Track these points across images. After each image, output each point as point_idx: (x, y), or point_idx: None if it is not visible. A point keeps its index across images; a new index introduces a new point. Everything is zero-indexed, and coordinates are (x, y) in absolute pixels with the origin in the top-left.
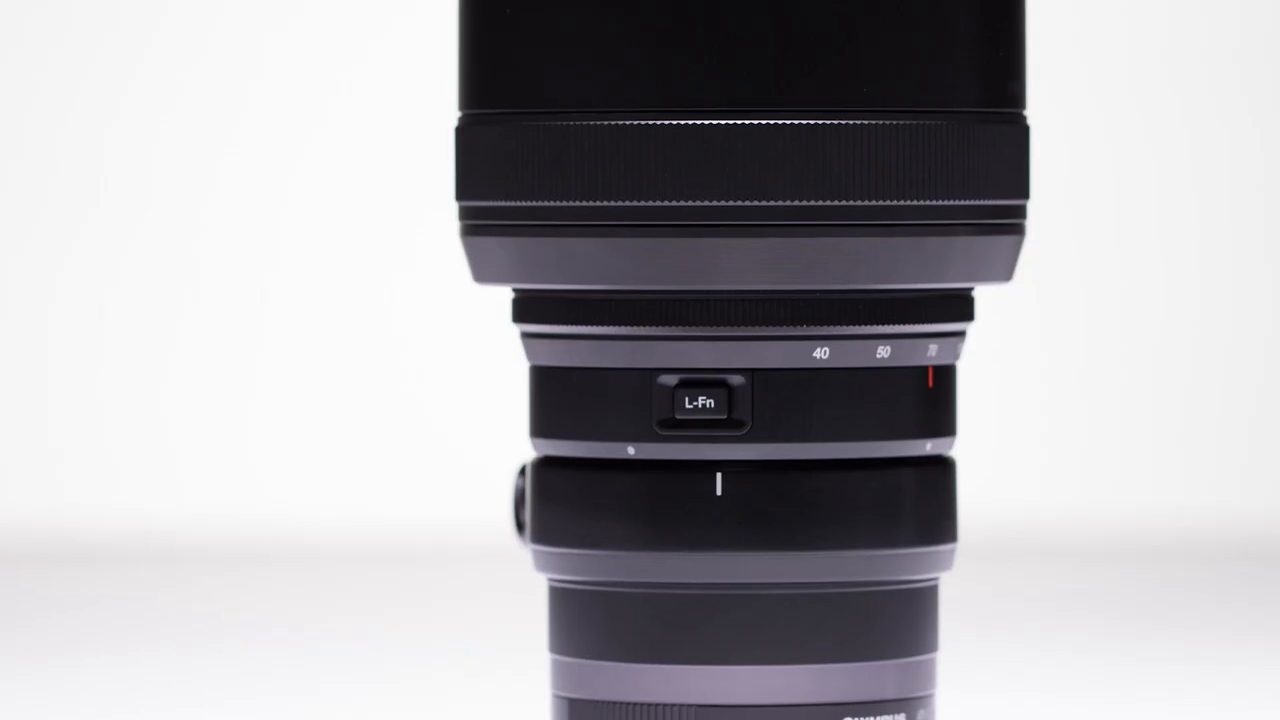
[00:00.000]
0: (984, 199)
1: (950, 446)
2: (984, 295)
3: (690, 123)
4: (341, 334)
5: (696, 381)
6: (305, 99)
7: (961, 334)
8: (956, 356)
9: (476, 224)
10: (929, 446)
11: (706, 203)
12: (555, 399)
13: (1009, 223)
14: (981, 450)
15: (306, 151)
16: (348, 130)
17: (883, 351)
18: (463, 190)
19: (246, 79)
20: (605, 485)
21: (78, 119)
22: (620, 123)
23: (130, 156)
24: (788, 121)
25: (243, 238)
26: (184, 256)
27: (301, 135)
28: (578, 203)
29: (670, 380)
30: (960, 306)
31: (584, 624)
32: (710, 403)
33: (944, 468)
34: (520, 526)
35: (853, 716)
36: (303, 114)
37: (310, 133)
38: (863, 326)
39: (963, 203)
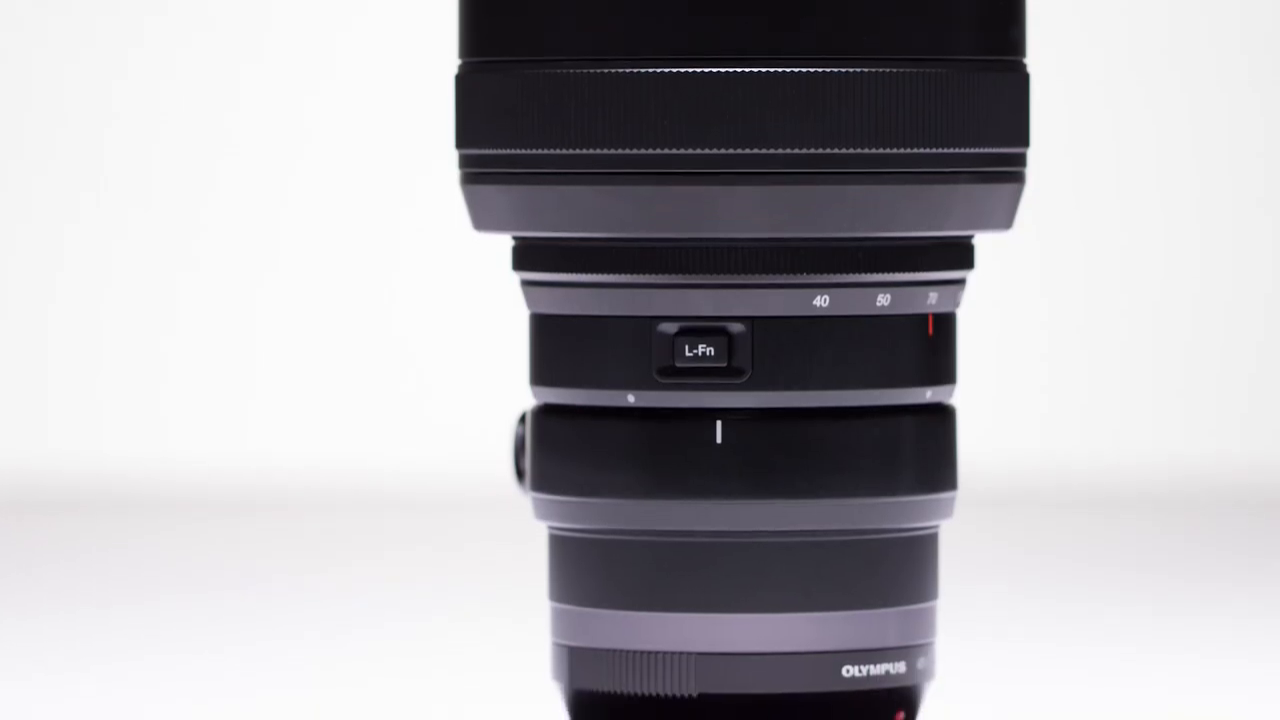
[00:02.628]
0: (984, 146)
1: (950, 394)
2: (985, 243)
3: (690, 70)
4: (340, 282)
5: (696, 329)
6: (306, 49)
7: (962, 282)
8: (957, 304)
9: (476, 172)
10: (929, 394)
11: (706, 150)
12: (555, 347)
13: (1009, 170)
14: (982, 398)
15: (306, 102)
16: (348, 80)
17: (883, 299)
18: (462, 138)
19: (249, 29)
20: (605, 433)
21: (84, 71)
22: (620, 70)
23: (134, 107)
24: (788, 69)
25: (242, 188)
26: (183, 208)
27: (301, 86)
28: (577, 150)
29: (670, 328)
30: (960, 254)
31: (584, 572)
32: (710, 351)
33: (944, 415)
34: (520, 474)
35: (852, 664)
36: (303, 64)
37: (310, 83)
38: (863, 274)
39: (963, 150)
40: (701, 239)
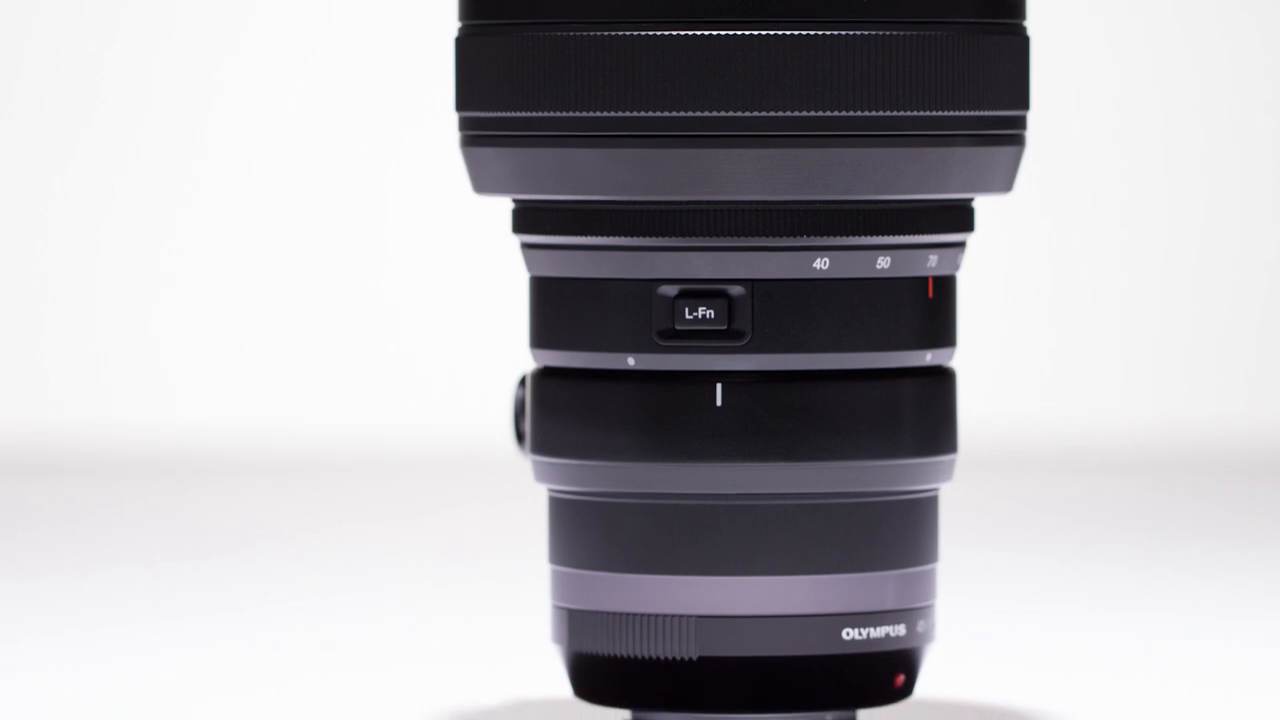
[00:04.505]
0: (983, 109)
1: (950, 357)
2: (985, 206)
3: (691, 33)
4: (340, 245)
5: (696, 292)
6: (306, 11)
7: (962, 245)
8: (956, 267)
9: (476, 134)
10: (929, 357)
11: (706, 113)
12: (555, 310)
13: (1009, 133)
14: (983, 361)
15: (306, 62)
16: (347, 41)
17: (883, 262)
18: (462, 101)
19: None
20: (605, 396)
21: (79, 25)
22: (620, 33)
23: (130, 62)
24: (788, 32)
25: (241, 149)
26: (180, 168)
27: (301, 46)
28: (578, 113)
29: (670, 291)
30: (960, 217)
31: (584, 535)
32: (710, 313)
33: (944, 378)
34: (520, 437)
35: (852, 627)
36: (303, 25)
37: (310, 43)
38: (862, 237)
39: (962, 113)
40: (701, 202)
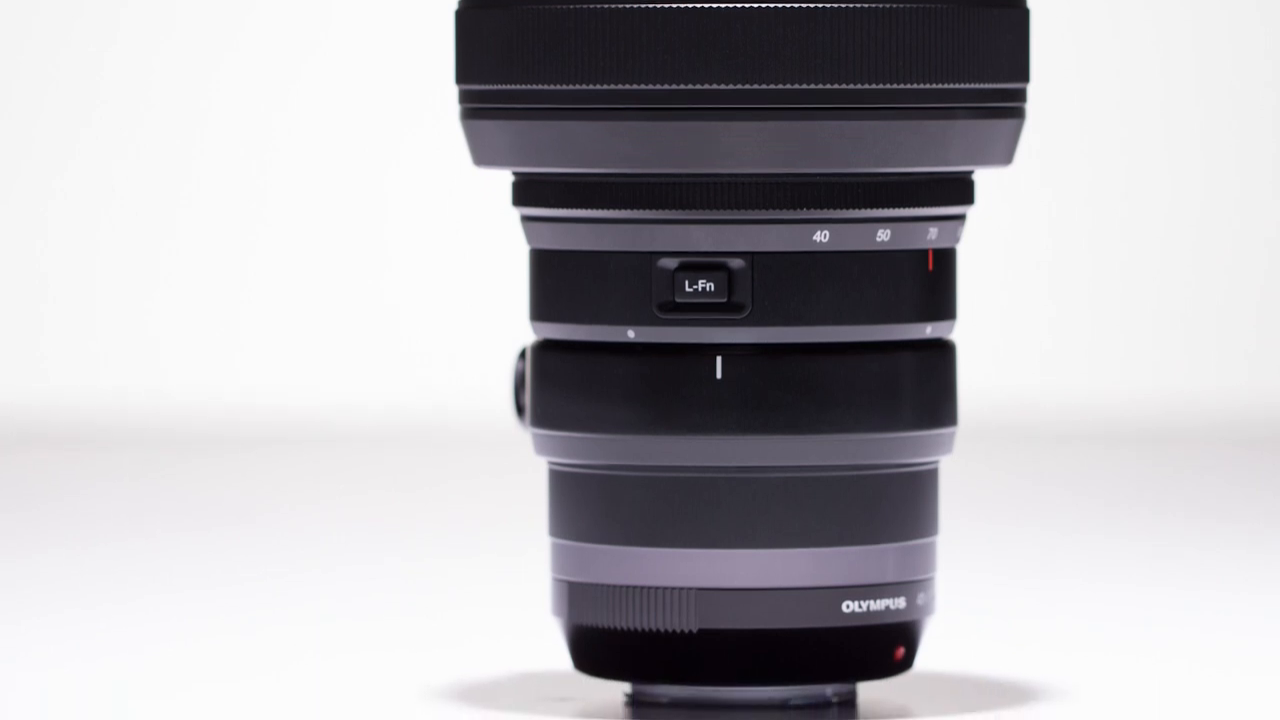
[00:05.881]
0: (983, 82)
1: (950, 330)
2: (986, 179)
3: (690, 5)
4: (340, 218)
5: (696, 265)
6: None
7: (962, 217)
8: (957, 240)
9: (477, 107)
10: (929, 330)
11: (707, 85)
12: (555, 282)
13: (1009, 106)
14: (983, 334)
15: (307, 36)
16: (348, 15)
17: (883, 235)
18: (463, 73)
19: None
20: (605, 368)
21: (88, 9)
22: (621, 6)
23: (134, 43)
24: (788, 4)
25: (241, 123)
26: (182, 140)
27: (302, 20)
28: (578, 86)
29: (670, 263)
30: (960, 190)
31: (584, 507)
32: (710, 286)
33: (944, 351)
34: (520, 410)
35: (853, 600)
36: (305, 1)
37: (312, 18)
38: (863, 210)
39: (962, 86)
40: (702, 174)
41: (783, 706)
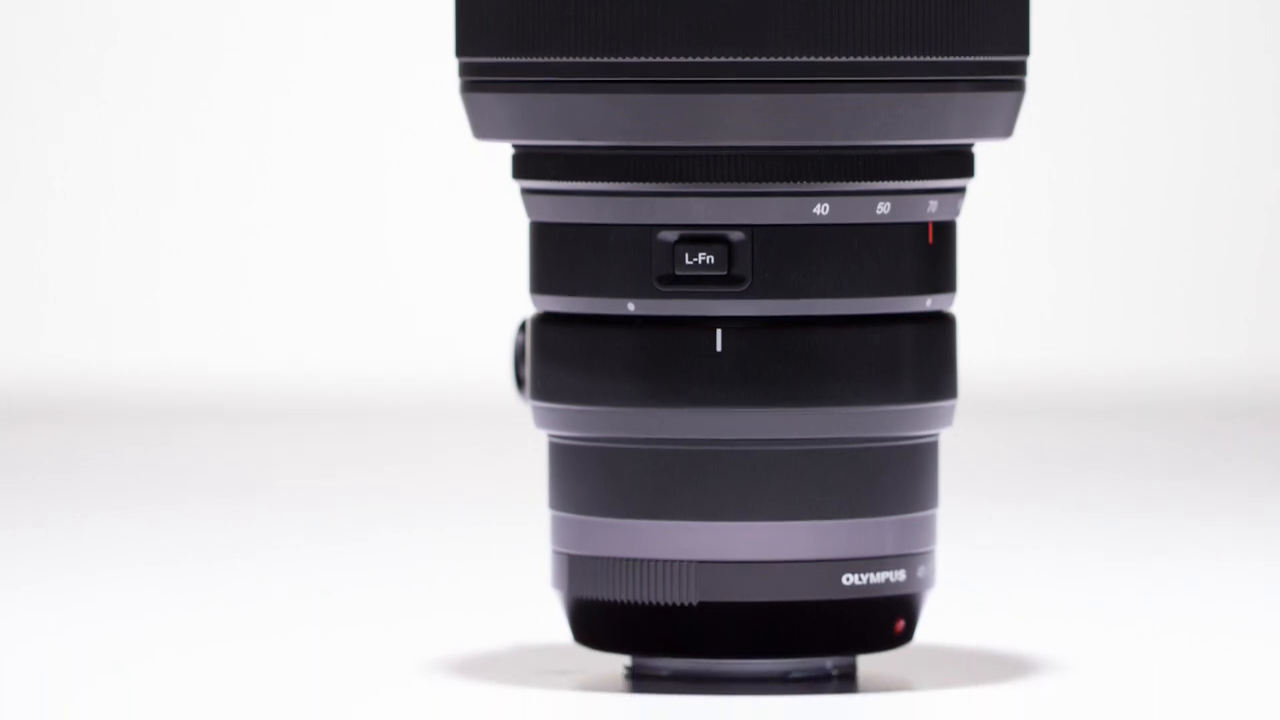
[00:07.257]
0: (983, 55)
1: (950, 303)
2: (986, 151)
3: None
4: (340, 190)
5: (696, 238)
6: None
7: (962, 190)
8: (957, 213)
9: (477, 80)
10: (929, 303)
11: (707, 58)
12: (555, 255)
13: (1009, 79)
14: (983, 307)
15: (308, 9)
16: None
17: (883, 207)
18: (463, 46)
19: None
20: (605, 341)
21: None
22: None
23: (136, 17)
24: None
25: (241, 96)
26: (182, 115)
27: None
28: (579, 58)
29: (670, 236)
30: (960, 162)
31: (584, 480)
32: (710, 259)
33: (944, 324)
34: (520, 383)
35: (852, 572)
36: None
37: None
38: (863, 182)
39: (962, 58)
40: (702, 147)
41: (783, 679)
